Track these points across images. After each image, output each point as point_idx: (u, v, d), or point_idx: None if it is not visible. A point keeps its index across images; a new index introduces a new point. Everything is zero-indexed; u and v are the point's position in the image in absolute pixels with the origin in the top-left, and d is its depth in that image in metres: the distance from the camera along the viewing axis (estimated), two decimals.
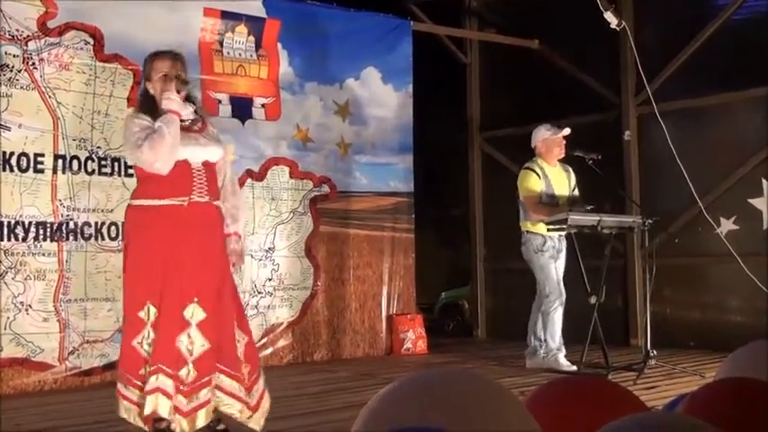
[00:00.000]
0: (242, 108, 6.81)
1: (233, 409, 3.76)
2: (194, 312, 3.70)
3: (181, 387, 3.64)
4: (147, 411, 3.59)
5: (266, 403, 3.87)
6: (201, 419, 3.69)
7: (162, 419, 3.67)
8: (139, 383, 3.63)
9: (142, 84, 3.96)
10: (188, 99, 3.92)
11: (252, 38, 6.86)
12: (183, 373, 3.65)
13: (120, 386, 3.68)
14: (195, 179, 3.78)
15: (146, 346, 3.64)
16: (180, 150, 3.73)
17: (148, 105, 3.83)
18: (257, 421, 3.81)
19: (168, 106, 3.75)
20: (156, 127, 3.70)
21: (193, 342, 3.68)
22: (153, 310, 3.66)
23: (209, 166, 3.84)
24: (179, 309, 3.68)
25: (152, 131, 3.69)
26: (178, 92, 3.81)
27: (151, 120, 3.75)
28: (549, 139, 6.35)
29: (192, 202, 3.75)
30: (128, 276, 3.76)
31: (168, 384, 3.60)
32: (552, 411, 2.30)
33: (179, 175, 3.74)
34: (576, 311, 6.22)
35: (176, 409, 3.63)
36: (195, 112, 3.92)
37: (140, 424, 3.64)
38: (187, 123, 3.83)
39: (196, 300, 3.71)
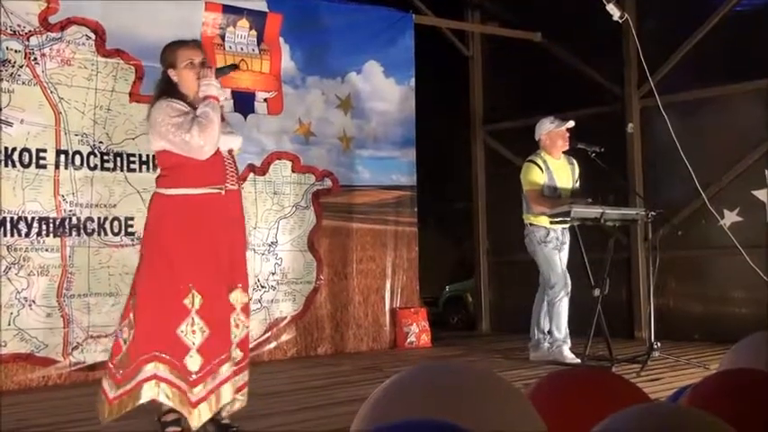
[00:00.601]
0: (244, 102, 6.81)
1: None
2: (238, 298, 3.81)
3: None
4: (226, 400, 3.70)
5: (244, 396, 3.87)
6: (226, 396, 3.72)
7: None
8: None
9: (162, 73, 3.92)
10: None
11: (254, 32, 6.85)
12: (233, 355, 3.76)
13: (172, 377, 3.63)
14: (227, 167, 3.83)
15: (189, 335, 3.66)
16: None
17: (172, 93, 3.83)
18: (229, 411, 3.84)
19: (208, 92, 3.77)
20: (201, 112, 3.71)
21: (238, 326, 3.79)
22: (198, 297, 3.67)
23: (231, 154, 3.90)
24: (226, 295, 3.76)
25: (195, 116, 3.70)
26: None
27: (185, 105, 3.77)
28: (553, 131, 6.33)
29: (228, 190, 3.80)
30: (166, 266, 3.69)
31: (229, 371, 3.70)
32: (555, 403, 2.30)
33: (213, 162, 3.77)
34: (580, 304, 6.21)
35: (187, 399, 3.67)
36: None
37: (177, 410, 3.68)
38: None
39: (240, 286, 3.82)
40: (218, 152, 3.79)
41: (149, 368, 3.61)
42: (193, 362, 3.62)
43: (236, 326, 3.79)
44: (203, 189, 3.74)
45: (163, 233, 3.74)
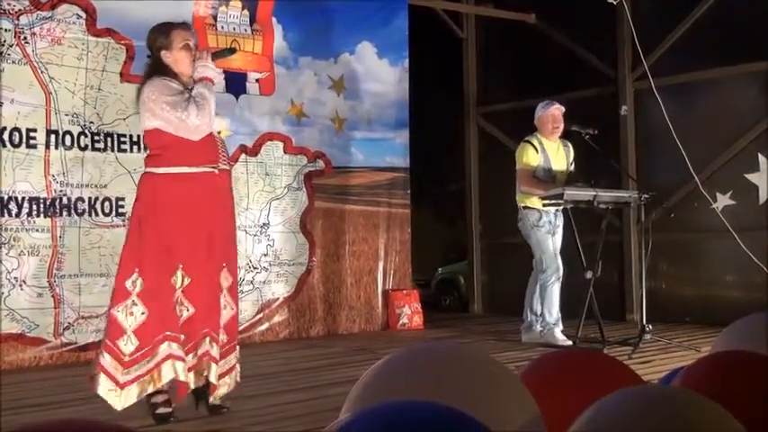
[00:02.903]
0: (236, 83, 6.76)
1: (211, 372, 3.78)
2: (224, 278, 3.83)
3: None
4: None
5: (231, 380, 3.86)
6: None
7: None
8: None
9: (151, 56, 3.92)
10: None
11: (246, 12, 6.79)
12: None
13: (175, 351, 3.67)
14: (219, 147, 3.87)
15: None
16: None
17: (165, 73, 3.82)
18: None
19: (205, 73, 3.82)
20: (198, 93, 3.76)
21: (225, 307, 3.82)
22: (187, 279, 3.70)
23: (219, 135, 3.96)
24: (216, 275, 3.78)
25: (191, 96, 3.74)
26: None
27: (180, 84, 3.80)
28: (543, 115, 6.33)
29: (221, 169, 3.83)
30: (159, 245, 3.69)
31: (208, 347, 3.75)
32: (548, 384, 2.29)
33: (207, 142, 3.81)
34: (573, 286, 6.22)
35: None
36: None
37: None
38: None
39: (225, 266, 3.83)
40: (210, 132, 3.83)
41: (163, 348, 3.63)
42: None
43: (224, 307, 3.81)
44: (199, 167, 3.76)
45: (157, 213, 3.72)
